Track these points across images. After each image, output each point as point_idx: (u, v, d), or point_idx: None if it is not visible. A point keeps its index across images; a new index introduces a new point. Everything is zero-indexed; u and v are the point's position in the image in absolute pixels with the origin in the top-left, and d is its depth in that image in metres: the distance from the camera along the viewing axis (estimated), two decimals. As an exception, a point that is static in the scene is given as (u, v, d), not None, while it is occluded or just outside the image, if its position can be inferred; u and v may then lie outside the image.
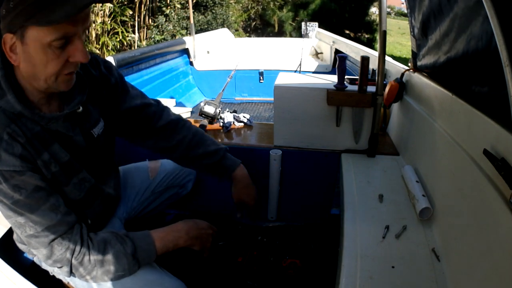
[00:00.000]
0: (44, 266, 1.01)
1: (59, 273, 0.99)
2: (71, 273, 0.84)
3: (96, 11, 6.33)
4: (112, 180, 1.06)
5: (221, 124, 1.62)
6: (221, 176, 1.22)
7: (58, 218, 0.80)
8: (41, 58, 0.72)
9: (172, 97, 3.05)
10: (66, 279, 0.99)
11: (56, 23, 0.69)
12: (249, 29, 9.76)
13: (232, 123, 1.64)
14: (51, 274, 1.01)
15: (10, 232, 1.03)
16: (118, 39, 6.67)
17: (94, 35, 6.42)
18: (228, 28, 5.77)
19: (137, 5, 7.16)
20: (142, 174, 1.27)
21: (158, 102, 1.16)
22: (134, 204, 1.22)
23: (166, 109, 1.18)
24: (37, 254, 0.84)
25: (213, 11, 8.07)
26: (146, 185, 1.25)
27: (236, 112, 1.71)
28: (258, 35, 9.20)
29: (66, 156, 0.85)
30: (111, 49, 6.56)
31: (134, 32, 7.25)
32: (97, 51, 6.35)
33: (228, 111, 1.70)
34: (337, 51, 3.44)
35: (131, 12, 6.95)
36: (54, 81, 0.76)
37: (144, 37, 7.48)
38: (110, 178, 1.05)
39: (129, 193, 1.22)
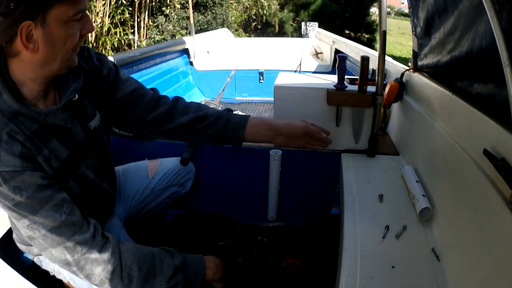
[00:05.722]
0: (45, 266, 1.01)
1: (60, 272, 0.99)
2: (85, 275, 0.82)
3: (96, 11, 6.32)
4: (107, 177, 1.04)
5: (221, 124, 1.62)
6: (235, 142, 1.09)
7: (62, 219, 0.78)
8: (63, 35, 0.76)
9: (172, 97, 3.05)
10: (66, 279, 0.99)
11: None
12: (249, 29, 9.75)
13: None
14: (52, 274, 1.01)
15: (10, 232, 1.03)
16: (116, 39, 6.66)
17: (93, 35, 6.42)
18: (228, 28, 5.76)
19: (137, 5, 7.15)
20: (141, 173, 1.26)
21: (155, 90, 1.10)
22: (133, 203, 1.22)
23: (164, 97, 1.09)
24: (45, 255, 0.83)
25: (213, 11, 8.05)
26: (145, 184, 1.25)
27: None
28: (258, 35, 9.19)
29: (65, 152, 0.84)
30: (110, 48, 6.55)
31: (133, 32, 7.24)
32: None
33: (228, 111, 1.69)
34: (337, 51, 3.44)
35: (129, 9, 6.90)
36: (69, 59, 0.80)
37: (144, 37, 7.47)
38: (106, 174, 1.03)
39: (129, 192, 1.22)
